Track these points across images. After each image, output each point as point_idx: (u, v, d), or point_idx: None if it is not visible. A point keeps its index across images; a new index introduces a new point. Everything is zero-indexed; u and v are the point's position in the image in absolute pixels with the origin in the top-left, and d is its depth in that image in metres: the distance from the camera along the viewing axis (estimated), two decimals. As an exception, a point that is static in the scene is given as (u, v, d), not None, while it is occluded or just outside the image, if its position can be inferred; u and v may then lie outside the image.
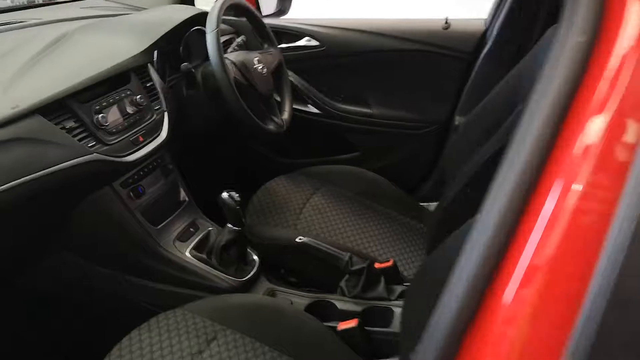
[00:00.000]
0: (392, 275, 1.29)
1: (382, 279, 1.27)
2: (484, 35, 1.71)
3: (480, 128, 1.28)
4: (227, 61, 1.34)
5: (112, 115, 1.16)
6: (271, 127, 1.47)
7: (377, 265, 1.28)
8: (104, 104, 1.15)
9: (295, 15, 1.98)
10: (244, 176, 1.99)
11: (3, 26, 1.33)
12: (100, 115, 1.11)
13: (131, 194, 1.25)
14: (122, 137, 1.16)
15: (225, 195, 1.24)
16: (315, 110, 1.88)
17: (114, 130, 1.15)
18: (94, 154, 1.08)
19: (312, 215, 1.45)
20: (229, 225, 1.27)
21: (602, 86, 0.46)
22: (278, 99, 1.63)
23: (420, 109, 1.84)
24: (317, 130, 1.91)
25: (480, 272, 0.45)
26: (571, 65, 0.48)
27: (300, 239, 1.32)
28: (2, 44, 1.21)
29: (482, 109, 1.35)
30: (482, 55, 1.69)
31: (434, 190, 1.89)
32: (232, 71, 1.37)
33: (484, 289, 0.45)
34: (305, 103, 1.87)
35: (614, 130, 0.45)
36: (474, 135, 1.31)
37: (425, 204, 1.75)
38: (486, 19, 1.75)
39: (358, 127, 1.88)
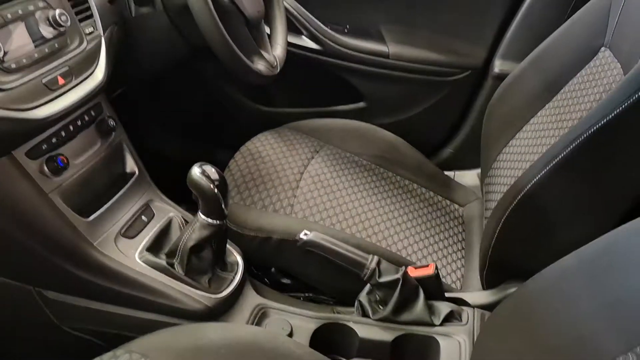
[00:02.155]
0: (434, 287, 0.96)
1: (421, 293, 0.94)
2: None
3: (541, 78, 1.13)
4: None
5: (16, 41, 0.78)
6: (260, 66, 1.13)
7: (411, 271, 0.95)
8: None
9: None
10: (213, 133, 1.66)
11: None
12: None
13: (45, 168, 0.85)
14: (29, 77, 0.79)
15: (196, 171, 0.85)
16: (311, 44, 1.55)
17: (14, 65, 0.76)
18: None
19: (314, 190, 1.15)
20: (202, 216, 0.87)
21: None
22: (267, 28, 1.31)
23: (450, 48, 1.56)
24: (312, 71, 1.60)
25: None
26: None
27: (305, 234, 0.94)
28: None
29: (542, 52, 1.18)
30: None
31: (459, 155, 1.63)
32: None
33: None
34: (298, 34, 1.54)
35: None
36: (532, 87, 1.14)
37: (449, 172, 1.50)
38: None
39: (366, 69, 1.56)
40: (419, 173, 1.33)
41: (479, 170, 1.37)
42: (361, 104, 1.63)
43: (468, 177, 1.50)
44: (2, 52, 0.73)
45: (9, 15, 0.76)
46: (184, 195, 0.96)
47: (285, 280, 1.13)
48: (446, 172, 1.47)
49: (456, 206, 1.31)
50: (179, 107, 1.64)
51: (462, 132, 1.63)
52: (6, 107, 0.73)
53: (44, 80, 0.80)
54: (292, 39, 1.53)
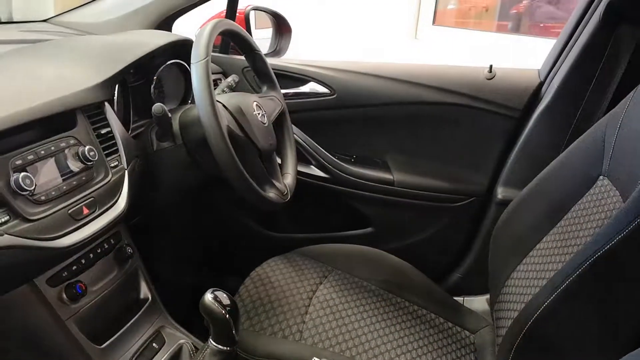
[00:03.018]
0: None
1: None
2: (538, 89, 1.47)
3: (543, 205, 1.13)
4: (218, 104, 1.02)
5: (45, 175, 0.80)
6: (271, 194, 1.15)
7: None
8: (31, 157, 0.78)
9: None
10: (224, 259, 1.66)
11: None
12: (22, 174, 0.74)
13: (64, 295, 0.86)
14: (55, 208, 0.80)
15: (209, 297, 0.86)
16: (319, 173, 1.59)
17: (44, 197, 0.78)
18: (4, 235, 0.70)
19: (323, 316, 1.13)
20: (212, 342, 0.87)
21: None
22: (278, 159, 1.34)
23: (453, 177, 1.58)
24: (321, 199, 1.62)
25: None
26: None
27: None
28: None
29: (543, 180, 1.19)
30: (537, 113, 1.44)
31: (467, 281, 1.60)
32: (225, 118, 1.05)
33: None
34: (307, 163, 1.59)
35: None
36: (535, 214, 1.13)
37: (458, 298, 1.47)
38: (540, 69, 1.52)
39: (373, 196, 1.59)
40: (428, 298, 1.31)
41: (488, 296, 1.34)
42: (368, 230, 1.63)
43: (477, 303, 1.47)
44: (34, 186, 0.76)
45: (42, 152, 0.80)
46: (194, 321, 0.97)
47: None
48: (455, 298, 1.42)
49: (467, 333, 1.27)
50: (191, 234, 1.64)
51: (469, 257, 1.61)
52: (32, 237, 0.74)
53: (69, 211, 0.81)
54: (302, 168, 1.57)
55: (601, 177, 1.00)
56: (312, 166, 1.59)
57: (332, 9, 3.95)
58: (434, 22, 3.59)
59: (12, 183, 0.73)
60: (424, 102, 1.54)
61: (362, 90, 1.58)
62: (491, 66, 1.49)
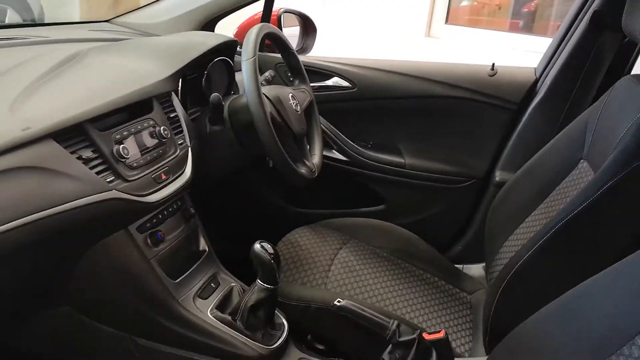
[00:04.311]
0: (444, 349, 1.11)
1: (434, 353, 1.09)
2: (534, 85, 1.62)
3: (533, 185, 1.25)
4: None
5: (133, 148, 1.00)
6: (303, 170, 1.33)
7: (426, 336, 1.11)
8: (125, 133, 0.99)
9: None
10: (258, 227, 1.83)
11: (4, 41, 1.19)
12: (121, 146, 0.96)
13: (149, 240, 1.07)
14: (144, 173, 1.00)
15: (257, 246, 1.07)
16: (340, 157, 1.75)
17: (135, 164, 0.99)
18: (113, 190, 0.91)
19: (343, 272, 1.31)
20: (260, 282, 1.08)
21: None
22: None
23: (457, 161, 1.73)
24: (340, 179, 1.78)
25: None
26: None
27: (339, 301, 1.15)
28: (2, 59, 1.07)
29: (534, 164, 1.31)
30: (532, 106, 1.60)
31: (467, 251, 1.75)
32: (268, 106, 1.23)
33: None
34: (329, 148, 1.75)
35: None
36: (525, 193, 1.26)
37: (459, 265, 1.62)
38: (536, 67, 1.67)
39: (387, 177, 1.75)
40: (432, 265, 1.44)
41: (484, 264, 1.49)
42: (382, 206, 1.78)
43: (475, 270, 1.61)
44: (129, 155, 0.96)
45: (132, 130, 1.01)
46: (238, 270, 1.18)
47: (320, 346, 1.26)
48: (456, 265, 1.56)
49: (465, 294, 1.41)
50: (230, 209, 1.82)
51: (469, 230, 1.75)
52: (130, 193, 0.94)
53: (152, 176, 1.01)
54: (325, 152, 1.68)
55: (582, 160, 1.12)
56: (334, 150, 1.75)
57: (348, 9, 4.01)
58: (446, 21, 3.62)
59: (115, 152, 0.94)
60: (433, 96, 1.68)
61: (380, 84, 1.71)
62: (493, 64, 1.64)
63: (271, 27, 1.33)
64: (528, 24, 3.59)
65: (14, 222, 0.74)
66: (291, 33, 1.94)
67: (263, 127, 1.17)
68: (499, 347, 0.85)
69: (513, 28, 3.60)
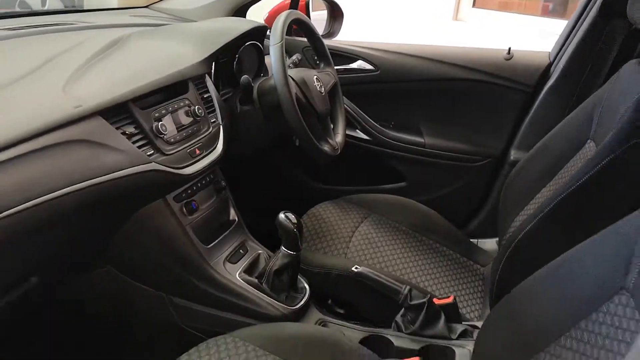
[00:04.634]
0: (452, 313, 1.22)
1: (443, 316, 1.19)
2: (548, 68, 1.67)
3: (544, 163, 1.30)
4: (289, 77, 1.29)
5: (170, 125, 1.10)
6: (326, 148, 1.41)
7: (436, 300, 1.21)
8: (163, 111, 1.10)
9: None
10: (284, 201, 1.91)
11: (52, 26, 1.30)
12: (160, 123, 1.06)
13: (184, 209, 1.19)
14: (180, 148, 1.11)
15: (282, 216, 1.17)
16: (363, 136, 1.82)
17: (172, 140, 1.09)
18: (153, 163, 1.02)
19: (362, 244, 1.39)
20: (284, 248, 1.19)
21: None
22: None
23: (475, 141, 1.78)
24: (363, 157, 1.85)
25: None
26: None
27: (356, 268, 1.25)
28: (54, 44, 1.17)
29: (545, 143, 1.35)
30: (546, 88, 1.64)
31: (483, 226, 1.82)
32: (294, 87, 1.32)
33: None
34: (353, 128, 1.82)
35: None
36: (536, 171, 1.31)
37: (474, 240, 1.68)
38: (550, 52, 1.72)
39: (407, 156, 1.82)
40: (448, 239, 1.50)
41: (497, 238, 1.50)
42: (402, 184, 1.85)
43: (489, 244, 1.66)
44: (167, 131, 1.06)
45: (170, 108, 1.10)
46: (264, 239, 1.28)
47: (340, 310, 1.35)
48: (471, 240, 1.62)
49: (478, 266, 1.47)
50: (258, 184, 1.91)
51: (485, 207, 1.81)
52: (168, 165, 1.05)
53: (188, 151, 1.11)
54: (349, 132, 1.76)
55: (588, 140, 1.16)
56: (357, 130, 1.82)
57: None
58: (474, 5, 3.61)
59: (154, 129, 1.04)
60: (452, 79, 1.73)
61: (402, 67, 1.77)
62: (510, 48, 1.69)
63: (298, 14, 1.40)
64: (558, 7, 3.54)
65: (66, 188, 0.83)
66: (319, 17, 2.01)
67: (289, 107, 1.25)
68: (497, 307, 0.92)
69: (545, 11, 3.55)
